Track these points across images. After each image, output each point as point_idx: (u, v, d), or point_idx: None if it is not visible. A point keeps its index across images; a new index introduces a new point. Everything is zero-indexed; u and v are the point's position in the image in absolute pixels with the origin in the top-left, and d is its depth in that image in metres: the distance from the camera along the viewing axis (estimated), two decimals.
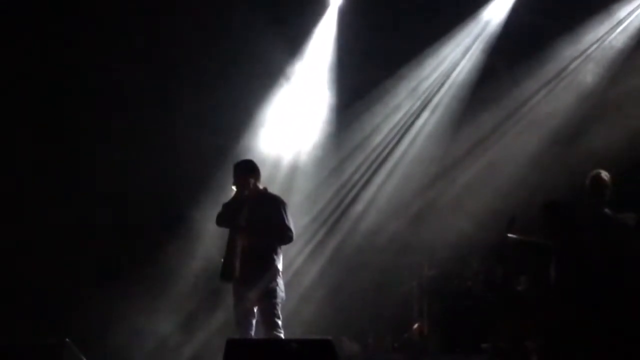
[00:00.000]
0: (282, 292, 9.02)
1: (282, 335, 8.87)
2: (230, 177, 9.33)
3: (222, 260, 9.12)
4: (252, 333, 8.96)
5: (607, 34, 12.16)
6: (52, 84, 11.51)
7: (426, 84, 12.68)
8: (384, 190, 12.59)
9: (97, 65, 11.58)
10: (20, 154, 11.40)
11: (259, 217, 9.10)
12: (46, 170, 11.41)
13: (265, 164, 11.45)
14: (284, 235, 9.07)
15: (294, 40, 12.26)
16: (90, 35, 11.56)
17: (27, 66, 11.39)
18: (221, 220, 9.31)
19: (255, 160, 9.74)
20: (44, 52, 11.46)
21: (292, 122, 12.54)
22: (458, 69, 12.60)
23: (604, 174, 9.07)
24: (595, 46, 12.19)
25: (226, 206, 9.28)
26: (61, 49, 11.46)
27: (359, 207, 12.57)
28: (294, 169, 12.42)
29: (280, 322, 8.91)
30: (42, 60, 11.46)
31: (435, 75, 12.65)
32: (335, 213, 12.56)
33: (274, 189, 9.86)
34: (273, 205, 9.15)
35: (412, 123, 12.74)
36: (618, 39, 12.13)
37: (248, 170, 9.30)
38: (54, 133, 11.50)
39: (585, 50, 12.22)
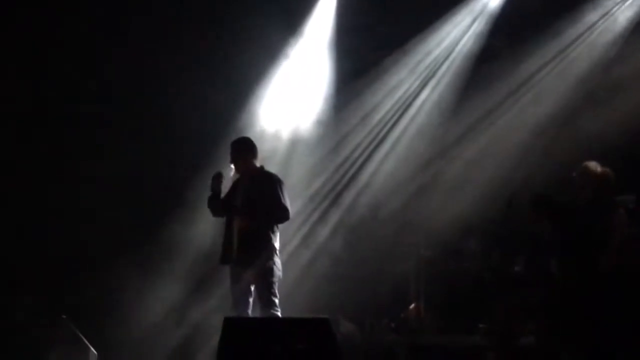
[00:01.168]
0: (279, 271, 9.01)
1: (279, 314, 8.87)
2: (228, 154, 9.31)
3: (221, 243, 9.12)
4: (250, 312, 8.97)
5: (609, 13, 12.10)
6: (50, 69, 11.47)
7: (427, 62, 12.61)
8: (382, 169, 12.56)
9: (95, 45, 11.54)
10: (22, 136, 11.39)
11: (254, 196, 9.06)
12: (47, 150, 11.40)
13: (265, 141, 11.43)
14: (280, 214, 9.03)
15: (293, 17, 12.19)
16: (89, 15, 11.53)
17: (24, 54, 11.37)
18: (213, 210, 9.28)
19: (255, 137, 9.72)
20: (43, 38, 11.42)
21: (292, 99, 12.48)
22: (459, 46, 12.54)
23: (592, 165, 9.14)
24: (596, 26, 12.14)
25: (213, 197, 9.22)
26: (59, 33, 11.43)
27: (358, 185, 12.53)
28: (293, 147, 12.38)
29: (277, 301, 8.91)
30: (39, 46, 11.42)
31: (436, 52, 12.59)
32: (333, 191, 12.53)
33: (273, 166, 9.81)
34: (269, 184, 9.10)
35: (413, 101, 12.69)
36: (620, 18, 12.08)
37: (244, 148, 9.27)
38: (55, 116, 11.49)
39: (587, 29, 12.17)
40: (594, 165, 9.14)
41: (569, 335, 8.89)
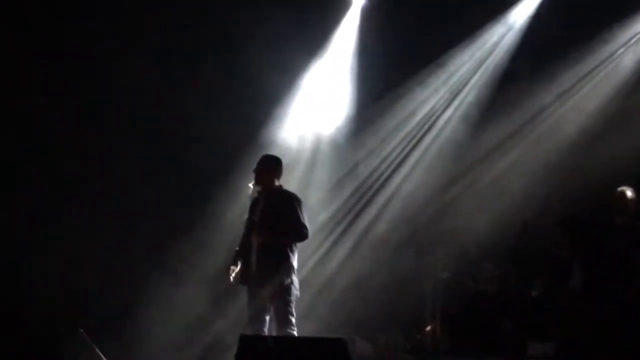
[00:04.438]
0: (296, 289, 9.00)
1: (295, 333, 8.86)
2: (251, 166, 9.35)
3: (240, 264, 9.14)
4: (266, 330, 8.96)
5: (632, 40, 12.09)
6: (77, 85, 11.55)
7: (450, 82, 12.59)
8: (403, 189, 12.55)
9: (119, 56, 11.60)
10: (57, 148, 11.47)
11: (272, 214, 9.06)
12: (71, 160, 11.45)
13: (287, 156, 11.46)
14: (299, 233, 9.02)
15: (317, 36, 12.22)
16: (113, 28, 11.62)
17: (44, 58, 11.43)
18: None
19: (277, 152, 9.77)
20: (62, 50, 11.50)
21: (315, 115, 12.53)
22: (483, 67, 12.54)
23: (629, 191, 9.25)
24: (621, 51, 12.13)
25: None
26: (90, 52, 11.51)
27: (377, 205, 12.51)
28: (315, 162, 12.41)
29: (294, 320, 8.90)
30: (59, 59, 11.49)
31: (459, 73, 12.58)
32: (353, 211, 12.53)
33: (292, 184, 9.81)
34: (288, 202, 9.10)
35: (434, 122, 12.65)
36: None
37: (271, 164, 9.30)
38: (80, 126, 11.54)
39: (613, 53, 12.16)
40: (631, 191, 9.25)
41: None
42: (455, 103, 12.61)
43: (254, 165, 9.32)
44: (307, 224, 9.05)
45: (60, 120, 11.39)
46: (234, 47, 11.82)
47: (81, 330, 9.53)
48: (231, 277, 9.09)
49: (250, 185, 9.29)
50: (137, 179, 11.49)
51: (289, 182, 9.88)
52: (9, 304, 10.70)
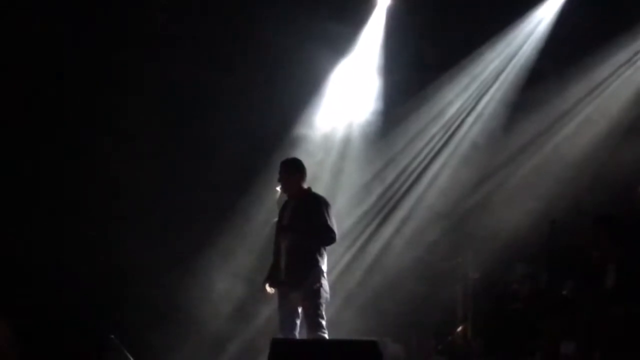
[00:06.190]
0: (326, 292, 8.99)
1: (326, 336, 8.85)
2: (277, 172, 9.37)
3: (270, 265, 9.16)
4: (297, 333, 8.96)
5: None
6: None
7: (476, 84, 12.56)
8: (432, 189, 12.53)
9: (149, 49, 11.70)
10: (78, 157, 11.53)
11: (301, 217, 9.06)
12: (102, 164, 11.53)
13: (315, 156, 11.52)
14: (326, 236, 9.00)
15: (343, 37, 12.22)
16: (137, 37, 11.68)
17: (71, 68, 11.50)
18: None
19: (305, 153, 9.75)
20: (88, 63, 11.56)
21: (342, 116, 12.56)
22: (508, 68, 12.49)
23: None
24: None
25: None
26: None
27: (407, 206, 12.51)
28: (343, 162, 12.43)
29: (324, 323, 8.89)
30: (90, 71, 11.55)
31: (485, 74, 12.53)
32: (382, 212, 12.52)
33: (322, 182, 9.80)
34: (315, 206, 9.08)
35: (463, 120, 12.64)
36: None
37: (293, 169, 9.28)
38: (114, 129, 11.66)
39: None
40: None
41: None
42: (483, 103, 12.57)
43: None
44: (334, 227, 9.03)
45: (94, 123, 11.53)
46: (262, 47, 11.85)
47: (112, 337, 9.56)
48: (269, 290, 9.19)
49: (278, 189, 9.30)
50: (178, 177, 11.65)
51: (318, 180, 9.87)
52: (41, 306, 10.73)
